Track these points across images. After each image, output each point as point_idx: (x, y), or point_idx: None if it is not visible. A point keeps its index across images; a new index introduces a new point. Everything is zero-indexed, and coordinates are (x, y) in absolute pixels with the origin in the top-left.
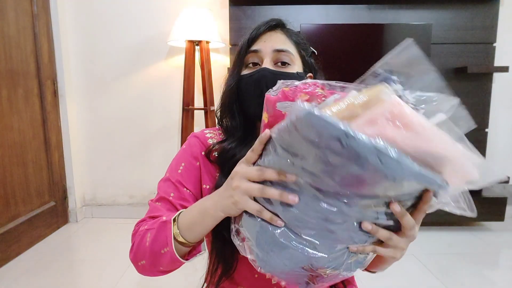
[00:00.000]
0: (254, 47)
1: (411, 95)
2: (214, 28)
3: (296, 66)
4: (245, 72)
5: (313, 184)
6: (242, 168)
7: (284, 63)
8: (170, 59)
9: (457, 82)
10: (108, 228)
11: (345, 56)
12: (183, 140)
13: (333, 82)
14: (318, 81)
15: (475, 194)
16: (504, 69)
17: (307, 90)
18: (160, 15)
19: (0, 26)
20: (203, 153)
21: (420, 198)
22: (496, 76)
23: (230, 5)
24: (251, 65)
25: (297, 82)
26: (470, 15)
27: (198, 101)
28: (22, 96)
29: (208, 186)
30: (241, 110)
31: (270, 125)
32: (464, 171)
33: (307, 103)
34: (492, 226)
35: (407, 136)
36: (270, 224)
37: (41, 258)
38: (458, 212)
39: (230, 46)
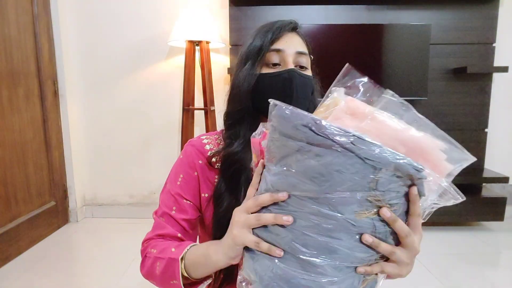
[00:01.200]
0: (276, 46)
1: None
2: (214, 28)
3: (310, 69)
4: (266, 71)
5: (304, 195)
6: (241, 205)
7: (302, 67)
8: (170, 59)
9: (456, 82)
10: (108, 228)
11: (345, 56)
12: (183, 140)
13: None
14: None
15: (475, 195)
16: (504, 69)
17: None
18: (160, 15)
19: (1, 26)
20: (200, 161)
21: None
22: (496, 76)
23: (230, 5)
24: (271, 64)
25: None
26: (470, 16)
27: (198, 101)
28: (23, 96)
29: (206, 195)
30: (255, 111)
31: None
32: (435, 160)
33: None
34: (491, 226)
35: (369, 125)
36: (271, 256)
37: (41, 258)
38: (449, 203)
39: (230, 46)
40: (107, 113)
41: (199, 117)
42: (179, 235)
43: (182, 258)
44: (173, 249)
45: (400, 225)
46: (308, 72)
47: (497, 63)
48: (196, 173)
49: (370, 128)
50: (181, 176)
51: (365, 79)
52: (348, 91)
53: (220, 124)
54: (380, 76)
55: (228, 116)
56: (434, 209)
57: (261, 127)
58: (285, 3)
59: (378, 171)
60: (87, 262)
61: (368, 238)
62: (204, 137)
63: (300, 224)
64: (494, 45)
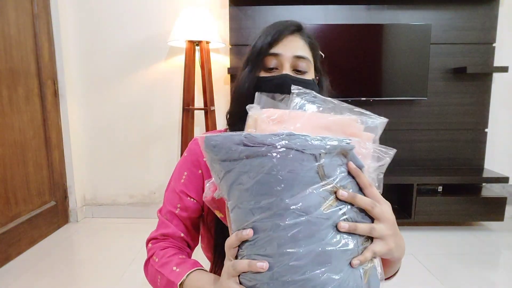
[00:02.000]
0: (275, 50)
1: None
2: (214, 28)
3: (311, 73)
4: (262, 74)
5: (266, 215)
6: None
7: (299, 71)
8: (170, 59)
9: (456, 82)
10: (108, 228)
11: (345, 56)
12: (183, 140)
13: None
14: None
15: (475, 195)
16: (504, 69)
17: None
18: (160, 15)
19: (1, 25)
20: (204, 159)
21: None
22: (496, 76)
23: (230, 5)
24: (268, 68)
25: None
26: (470, 15)
27: (198, 101)
28: (23, 96)
29: None
30: None
31: (224, 215)
32: (357, 132)
33: (204, 137)
34: (491, 226)
35: (291, 123)
36: None
37: (41, 258)
38: (388, 160)
39: (230, 46)
40: (107, 113)
41: (199, 117)
42: (182, 235)
43: (181, 284)
44: (174, 268)
45: (361, 199)
46: (308, 76)
47: (497, 63)
48: (200, 171)
49: (293, 126)
50: (185, 173)
51: (276, 101)
52: (268, 110)
53: (220, 124)
54: (380, 76)
55: (230, 115)
56: (382, 175)
57: (208, 185)
58: (285, 3)
59: (319, 158)
60: (87, 262)
61: (344, 225)
62: (208, 134)
63: (279, 245)
64: (494, 45)
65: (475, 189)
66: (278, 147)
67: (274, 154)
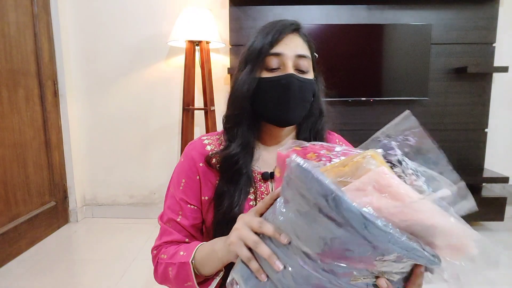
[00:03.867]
0: (276, 50)
1: (411, 163)
2: (214, 28)
3: (311, 72)
4: (265, 75)
5: (303, 250)
6: (248, 216)
7: (301, 71)
8: (170, 59)
9: (457, 82)
10: (108, 228)
11: (345, 56)
12: (183, 140)
13: (338, 147)
14: (324, 143)
15: (475, 195)
16: (504, 69)
17: (315, 150)
18: (160, 15)
19: (1, 26)
20: (201, 164)
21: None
22: (496, 76)
23: (230, 5)
24: (270, 69)
25: (306, 143)
26: (470, 15)
27: (198, 101)
28: (23, 96)
29: (207, 197)
30: (254, 114)
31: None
32: (459, 242)
33: (301, 158)
34: (492, 226)
35: (394, 206)
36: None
37: (41, 258)
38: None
39: (230, 46)
40: (107, 113)
41: (199, 117)
42: (186, 240)
43: (192, 260)
44: (182, 253)
45: None
46: (309, 76)
47: (497, 63)
48: (198, 177)
49: (397, 213)
50: (184, 181)
51: (430, 139)
52: (393, 144)
53: (220, 125)
54: (380, 76)
55: (227, 119)
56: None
57: (290, 144)
58: (285, 3)
59: (388, 255)
60: (87, 262)
61: None
62: (204, 137)
63: (291, 271)
64: (494, 45)
65: (475, 189)
66: (357, 229)
67: (346, 231)
